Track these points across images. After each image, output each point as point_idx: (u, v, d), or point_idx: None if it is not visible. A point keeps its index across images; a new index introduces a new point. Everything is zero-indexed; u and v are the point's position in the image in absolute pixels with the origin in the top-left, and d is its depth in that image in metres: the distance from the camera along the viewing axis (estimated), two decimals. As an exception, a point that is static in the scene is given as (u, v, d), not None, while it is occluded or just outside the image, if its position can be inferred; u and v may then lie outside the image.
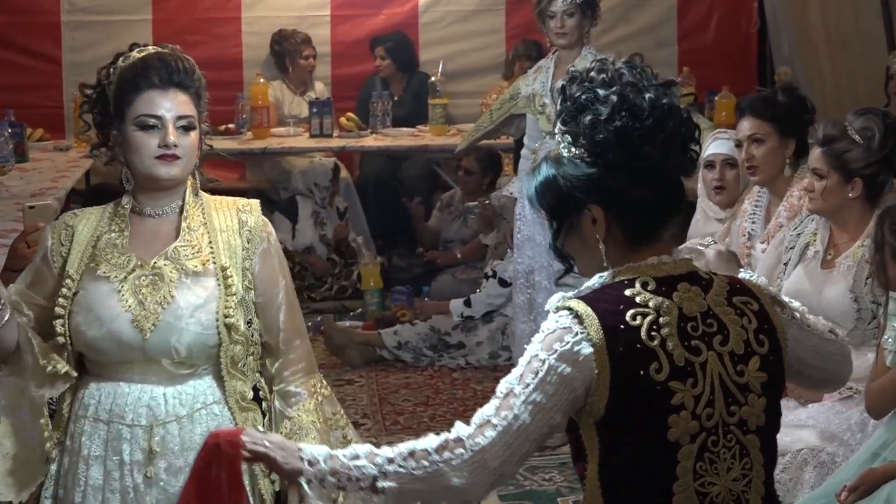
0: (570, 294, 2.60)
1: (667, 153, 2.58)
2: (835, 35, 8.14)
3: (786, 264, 4.72)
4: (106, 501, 3.19)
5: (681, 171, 2.65)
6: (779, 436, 4.49)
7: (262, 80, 8.97)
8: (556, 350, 2.51)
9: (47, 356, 3.16)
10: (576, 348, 2.51)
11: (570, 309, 2.56)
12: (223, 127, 8.82)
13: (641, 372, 2.51)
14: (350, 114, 9.09)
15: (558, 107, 2.64)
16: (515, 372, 2.53)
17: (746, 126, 5.16)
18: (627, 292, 2.57)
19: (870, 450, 3.98)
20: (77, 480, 3.21)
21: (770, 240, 5.01)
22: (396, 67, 9.54)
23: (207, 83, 3.31)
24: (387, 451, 2.54)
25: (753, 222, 5.26)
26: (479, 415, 2.53)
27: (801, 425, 4.40)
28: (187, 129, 3.21)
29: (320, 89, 9.47)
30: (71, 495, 3.22)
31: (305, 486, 2.57)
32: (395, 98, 9.36)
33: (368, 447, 2.58)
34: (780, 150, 5.12)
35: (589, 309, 2.54)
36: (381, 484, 2.52)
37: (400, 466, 2.51)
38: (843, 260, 4.53)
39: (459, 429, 2.53)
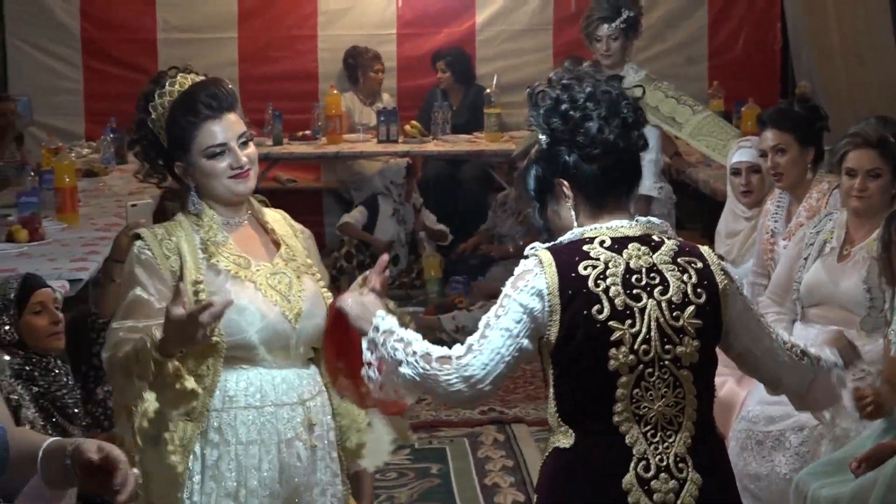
0: (544, 245, 2.86)
1: (604, 130, 2.80)
2: (851, 51, 8.09)
3: (806, 259, 4.71)
4: (262, 480, 3.20)
5: (630, 148, 2.86)
6: (798, 412, 4.45)
7: (335, 92, 9.02)
8: (519, 288, 2.79)
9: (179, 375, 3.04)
10: (533, 286, 2.78)
11: (536, 256, 2.82)
12: (301, 133, 8.90)
13: (585, 312, 2.76)
14: (414, 122, 9.12)
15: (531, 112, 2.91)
16: (493, 308, 2.80)
17: (770, 137, 5.14)
18: (585, 247, 2.82)
19: (881, 426, 3.97)
20: (239, 465, 3.19)
21: (791, 237, 5.00)
22: (455, 80, 9.56)
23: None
24: (417, 345, 2.80)
25: (776, 221, 5.25)
26: (468, 340, 2.80)
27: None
28: (246, 142, 3.24)
29: (387, 100, 9.53)
30: (226, 482, 3.19)
31: (364, 345, 2.87)
32: (454, 108, 9.39)
33: (414, 336, 2.83)
34: (802, 157, 5.10)
35: (551, 258, 2.81)
36: (402, 370, 2.80)
37: (416, 362, 2.78)
38: (857, 251, 4.52)
39: (455, 349, 2.79)
